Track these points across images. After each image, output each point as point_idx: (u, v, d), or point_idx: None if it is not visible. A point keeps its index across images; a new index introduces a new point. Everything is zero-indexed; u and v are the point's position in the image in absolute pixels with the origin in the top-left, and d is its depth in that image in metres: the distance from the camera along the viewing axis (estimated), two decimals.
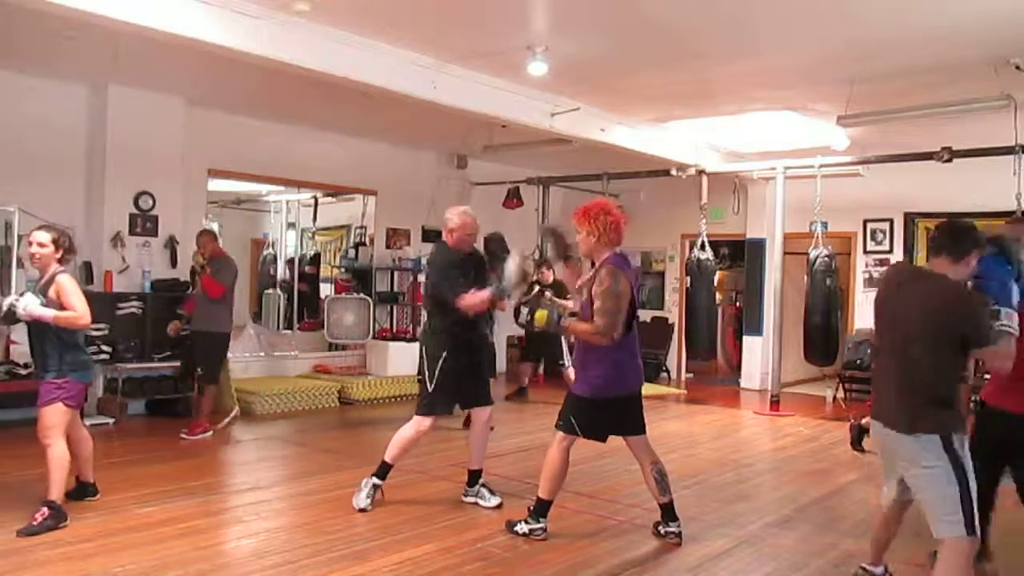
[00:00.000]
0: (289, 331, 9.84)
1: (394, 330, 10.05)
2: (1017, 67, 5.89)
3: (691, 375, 11.67)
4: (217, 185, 9.01)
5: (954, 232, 3.22)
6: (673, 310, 11.74)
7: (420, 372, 4.77)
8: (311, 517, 4.60)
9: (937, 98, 6.71)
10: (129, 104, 7.41)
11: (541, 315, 4.16)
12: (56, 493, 4.21)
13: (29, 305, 4.14)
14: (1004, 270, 3.28)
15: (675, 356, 11.56)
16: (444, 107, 6.68)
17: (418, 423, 4.70)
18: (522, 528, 4.26)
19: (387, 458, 4.73)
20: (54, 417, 4.24)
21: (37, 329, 4.30)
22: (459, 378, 4.71)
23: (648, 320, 12.01)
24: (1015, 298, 3.23)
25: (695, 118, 8.29)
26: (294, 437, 6.92)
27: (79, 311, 4.21)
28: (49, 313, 4.16)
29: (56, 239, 4.37)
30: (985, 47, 5.62)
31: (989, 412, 3.70)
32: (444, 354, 4.65)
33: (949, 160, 7.64)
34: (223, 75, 6.71)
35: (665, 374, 11.36)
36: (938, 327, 3.06)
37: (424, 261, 4.95)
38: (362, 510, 4.61)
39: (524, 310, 4.26)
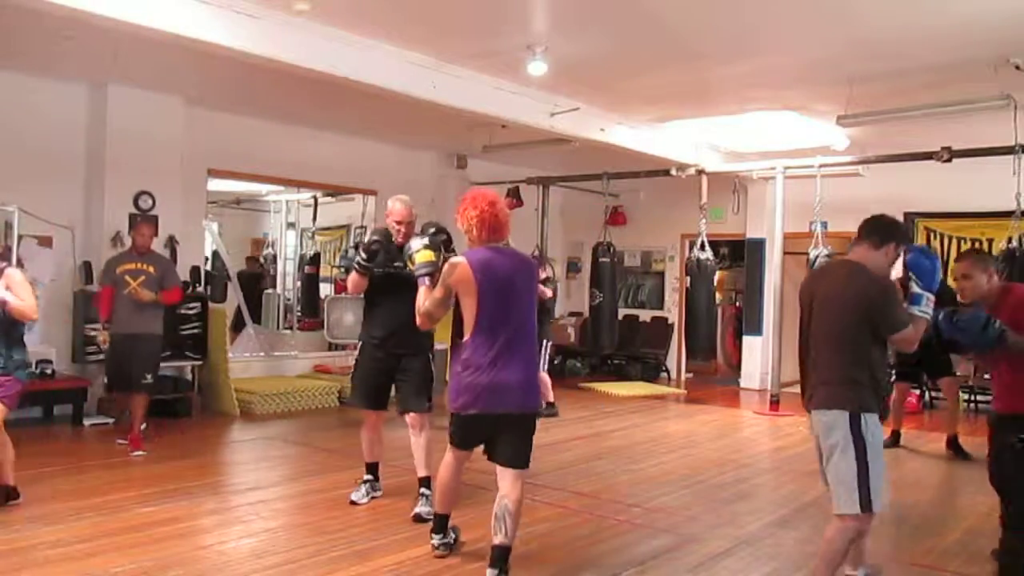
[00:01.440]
0: (289, 331, 9.85)
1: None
2: (1017, 67, 5.88)
3: (691, 375, 11.66)
4: (217, 185, 9.02)
5: (878, 222, 3.42)
6: (673, 310, 11.74)
7: None
8: (311, 517, 4.60)
9: (937, 98, 6.71)
10: (129, 104, 7.41)
11: (425, 255, 3.88)
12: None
13: None
14: (932, 259, 3.43)
15: (675, 356, 11.56)
16: (444, 107, 6.68)
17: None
18: (432, 541, 3.97)
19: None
20: None
21: None
22: (365, 375, 4.74)
23: (648, 320, 12.03)
24: (936, 282, 3.37)
25: (695, 118, 8.29)
26: (294, 437, 6.92)
27: (28, 301, 4.23)
28: (9, 296, 4.16)
29: None
30: (985, 47, 5.62)
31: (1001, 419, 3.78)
32: (360, 345, 4.80)
33: (949, 160, 7.64)
34: (223, 75, 6.71)
35: (665, 374, 11.36)
36: (852, 312, 3.23)
37: None
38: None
39: (416, 243, 3.97)
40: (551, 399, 8.01)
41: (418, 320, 3.80)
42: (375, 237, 4.58)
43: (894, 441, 6.83)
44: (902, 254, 3.41)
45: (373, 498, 4.87)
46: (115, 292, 6.06)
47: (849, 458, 3.16)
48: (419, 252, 3.90)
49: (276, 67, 5.62)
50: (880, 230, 3.39)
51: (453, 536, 4.03)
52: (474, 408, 3.57)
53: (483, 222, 3.65)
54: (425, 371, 4.69)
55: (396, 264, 4.55)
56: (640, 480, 5.73)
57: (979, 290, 3.79)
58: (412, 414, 4.64)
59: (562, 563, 3.97)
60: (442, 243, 4.18)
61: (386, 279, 4.62)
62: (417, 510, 4.52)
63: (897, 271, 3.45)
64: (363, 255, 4.54)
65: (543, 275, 8.37)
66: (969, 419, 8.58)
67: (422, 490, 4.61)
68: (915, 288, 3.32)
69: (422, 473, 4.62)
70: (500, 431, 3.61)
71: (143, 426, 6.15)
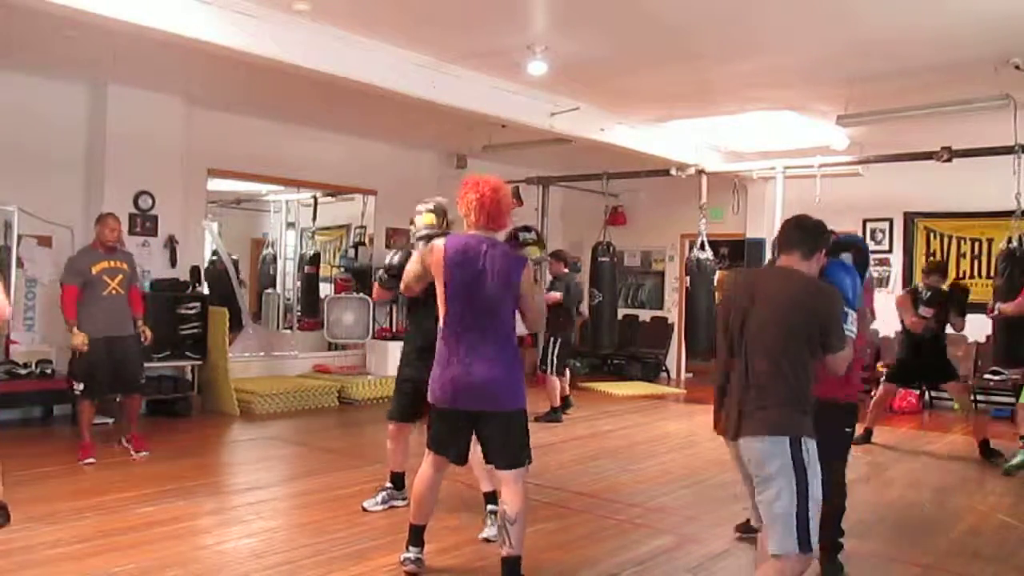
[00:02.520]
0: (289, 331, 9.85)
1: (394, 330, 10.04)
2: (1017, 67, 5.88)
3: (691, 375, 11.67)
4: (217, 185, 9.02)
5: (805, 228, 3.08)
6: (673, 310, 11.75)
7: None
8: (311, 517, 4.60)
9: (937, 98, 6.71)
10: (129, 104, 7.41)
11: (427, 218, 3.98)
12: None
13: None
14: (851, 272, 3.20)
15: (675, 356, 11.57)
16: (444, 107, 6.68)
17: None
18: (406, 555, 3.74)
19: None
20: None
21: None
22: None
23: (648, 320, 12.03)
24: (856, 296, 3.19)
25: (695, 118, 8.29)
26: (294, 437, 6.91)
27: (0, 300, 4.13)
28: None
29: None
30: (985, 47, 5.62)
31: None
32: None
33: (949, 160, 7.64)
34: (223, 75, 6.71)
35: (665, 374, 11.37)
36: (793, 323, 2.88)
37: None
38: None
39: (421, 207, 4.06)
40: (556, 404, 7.95)
41: (401, 286, 3.77)
42: (398, 253, 4.49)
43: (865, 438, 6.85)
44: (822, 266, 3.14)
45: (392, 507, 4.71)
46: (85, 293, 5.60)
47: (789, 492, 2.77)
48: (422, 215, 3.90)
49: (276, 67, 5.62)
50: (810, 239, 3.04)
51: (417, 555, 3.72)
52: (445, 402, 3.45)
53: (482, 206, 3.46)
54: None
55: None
56: (640, 480, 5.73)
57: None
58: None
59: (562, 563, 3.97)
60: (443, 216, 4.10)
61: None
62: (485, 533, 4.24)
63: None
64: (387, 271, 4.44)
65: (555, 273, 8.35)
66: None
67: (489, 507, 4.29)
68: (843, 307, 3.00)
69: (486, 488, 4.33)
70: (481, 431, 3.50)
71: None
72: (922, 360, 6.67)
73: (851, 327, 3.01)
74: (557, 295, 7.94)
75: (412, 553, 3.70)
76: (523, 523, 3.43)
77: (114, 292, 5.70)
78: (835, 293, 3.00)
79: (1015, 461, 6.08)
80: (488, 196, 3.47)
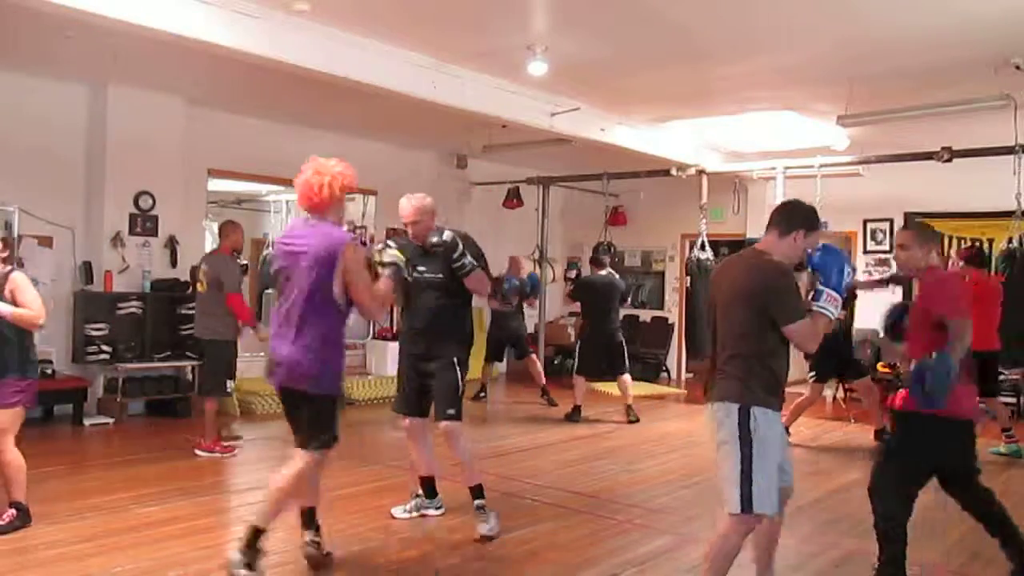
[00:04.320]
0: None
1: (394, 330, 10.04)
2: (1017, 67, 5.89)
3: (691, 375, 11.66)
4: (217, 185, 9.02)
5: (785, 209, 3.23)
6: (673, 310, 11.75)
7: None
8: None
9: (937, 98, 6.71)
10: (129, 104, 7.41)
11: (392, 254, 3.86)
12: (21, 494, 4.19)
13: None
14: (835, 256, 3.18)
15: (675, 356, 11.57)
16: (444, 107, 6.68)
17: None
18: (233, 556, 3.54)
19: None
20: (9, 420, 4.17)
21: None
22: (400, 380, 4.57)
23: (648, 320, 12.03)
24: (846, 281, 3.15)
25: (695, 118, 8.29)
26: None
27: (35, 309, 4.11)
28: (7, 309, 4.04)
29: (4, 238, 4.35)
30: (985, 47, 5.62)
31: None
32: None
33: (949, 160, 7.64)
34: (223, 75, 6.71)
35: (665, 374, 11.36)
36: (747, 298, 3.04)
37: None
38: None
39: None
40: (579, 402, 8.01)
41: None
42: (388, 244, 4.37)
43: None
44: (809, 254, 3.18)
45: (423, 515, 4.59)
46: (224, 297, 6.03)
47: (734, 454, 2.99)
48: (387, 251, 3.87)
49: (276, 67, 5.62)
50: (784, 218, 3.16)
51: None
52: (270, 378, 3.62)
53: (301, 191, 3.52)
54: (447, 377, 4.31)
55: (419, 268, 4.26)
56: (640, 480, 5.73)
57: (913, 263, 3.70)
58: (441, 423, 4.37)
59: (562, 563, 3.97)
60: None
61: (412, 284, 4.39)
62: (479, 530, 4.24)
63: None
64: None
65: (521, 273, 8.49)
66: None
67: (476, 502, 4.31)
68: (818, 285, 3.11)
69: (422, 472, 4.46)
70: (294, 408, 3.66)
71: None
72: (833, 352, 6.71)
73: (824, 304, 3.04)
74: None
75: (238, 557, 3.50)
76: (277, 504, 3.51)
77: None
78: (779, 269, 3.05)
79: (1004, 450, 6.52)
80: (305, 181, 3.50)
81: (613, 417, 8.12)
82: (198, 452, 6.04)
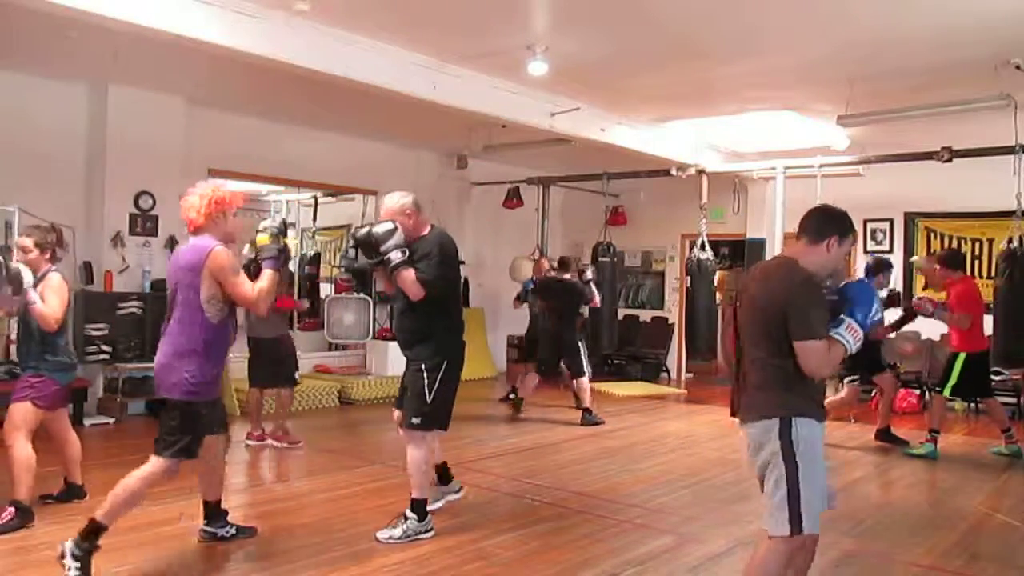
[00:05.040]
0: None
1: (394, 331, 10.04)
2: (1017, 67, 5.89)
3: (691, 375, 11.67)
4: None
5: (816, 215, 3.05)
6: (673, 310, 11.75)
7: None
8: (311, 517, 4.60)
9: (937, 98, 6.71)
10: (129, 104, 7.41)
11: (262, 239, 3.88)
12: (22, 493, 4.20)
13: (27, 277, 4.20)
14: (871, 291, 3.08)
15: (675, 356, 11.57)
16: (444, 107, 6.68)
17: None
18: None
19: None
20: (19, 415, 4.24)
21: (24, 322, 4.33)
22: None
23: (648, 320, 12.03)
24: (871, 320, 2.95)
25: (695, 118, 8.29)
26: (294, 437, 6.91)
27: (51, 308, 4.23)
28: (33, 296, 4.18)
29: (39, 242, 4.37)
30: (985, 47, 5.62)
31: None
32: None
33: (949, 160, 7.64)
34: (223, 75, 6.71)
35: (665, 374, 11.37)
36: (770, 306, 2.85)
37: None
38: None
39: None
40: (587, 404, 7.90)
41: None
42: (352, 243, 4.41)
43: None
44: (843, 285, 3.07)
45: (448, 501, 4.72)
46: None
47: (778, 472, 2.79)
48: (259, 238, 3.88)
49: (276, 67, 5.61)
50: (815, 224, 2.99)
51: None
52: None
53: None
54: (414, 382, 4.23)
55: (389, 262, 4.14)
56: (640, 480, 5.73)
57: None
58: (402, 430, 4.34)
59: (562, 563, 3.96)
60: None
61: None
62: (379, 532, 4.19)
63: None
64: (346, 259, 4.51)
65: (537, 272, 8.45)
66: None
67: (406, 510, 4.23)
68: (843, 314, 2.91)
69: (412, 492, 4.25)
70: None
71: None
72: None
73: (843, 332, 2.85)
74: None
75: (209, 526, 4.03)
76: (118, 499, 3.50)
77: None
78: (804, 277, 2.86)
79: (919, 451, 6.57)
80: (182, 202, 3.88)
81: (554, 416, 8.10)
82: (272, 443, 6.47)
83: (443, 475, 4.77)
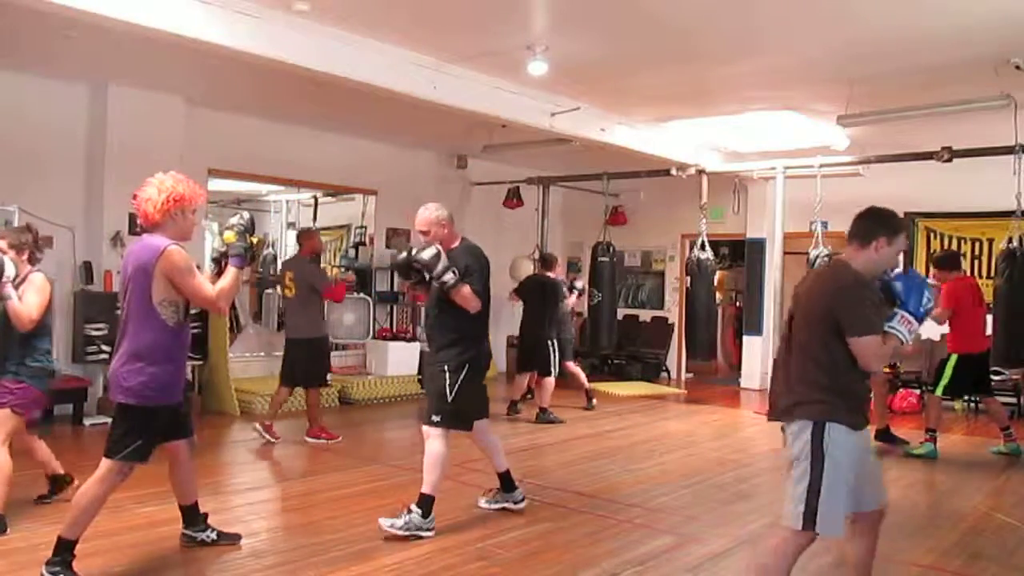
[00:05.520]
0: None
1: (394, 330, 10.05)
2: (1017, 67, 5.88)
3: (691, 375, 11.67)
4: (217, 185, 9.01)
5: (863, 218, 3.10)
6: (673, 310, 11.75)
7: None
8: (311, 517, 4.60)
9: (937, 98, 6.71)
10: (129, 104, 7.41)
11: (229, 236, 3.80)
12: None
13: (8, 269, 4.03)
14: (920, 281, 3.11)
15: (675, 356, 11.57)
16: (444, 107, 6.68)
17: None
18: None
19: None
20: None
21: (3, 325, 4.14)
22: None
23: (648, 320, 12.04)
24: (924, 308, 3.01)
25: (695, 118, 8.29)
26: (294, 437, 6.91)
27: (27, 305, 4.07)
28: (9, 291, 4.02)
29: (13, 243, 4.22)
30: (985, 47, 5.62)
31: None
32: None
33: (949, 160, 7.64)
34: (223, 75, 6.71)
35: (665, 374, 11.37)
36: (817, 308, 2.96)
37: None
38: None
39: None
40: (544, 404, 7.88)
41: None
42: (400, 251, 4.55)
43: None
44: (888, 279, 3.09)
45: (503, 508, 4.73)
46: (318, 298, 6.86)
47: (804, 469, 2.89)
48: (227, 235, 3.77)
49: (276, 67, 5.61)
50: (863, 228, 3.05)
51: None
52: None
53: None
54: (436, 381, 4.37)
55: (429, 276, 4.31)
56: (640, 480, 5.73)
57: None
58: (424, 426, 4.43)
59: (562, 563, 3.97)
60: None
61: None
62: (382, 521, 4.22)
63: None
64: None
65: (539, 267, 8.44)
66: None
67: (413, 503, 4.27)
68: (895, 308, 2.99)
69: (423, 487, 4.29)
70: None
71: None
72: None
73: (897, 325, 2.94)
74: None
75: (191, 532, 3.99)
76: (82, 515, 3.45)
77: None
78: (854, 276, 2.96)
79: (919, 451, 6.56)
80: (138, 197, 3.64)
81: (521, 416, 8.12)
82: (307, 439, 6.62)
83: (506, 483, 4.77)
